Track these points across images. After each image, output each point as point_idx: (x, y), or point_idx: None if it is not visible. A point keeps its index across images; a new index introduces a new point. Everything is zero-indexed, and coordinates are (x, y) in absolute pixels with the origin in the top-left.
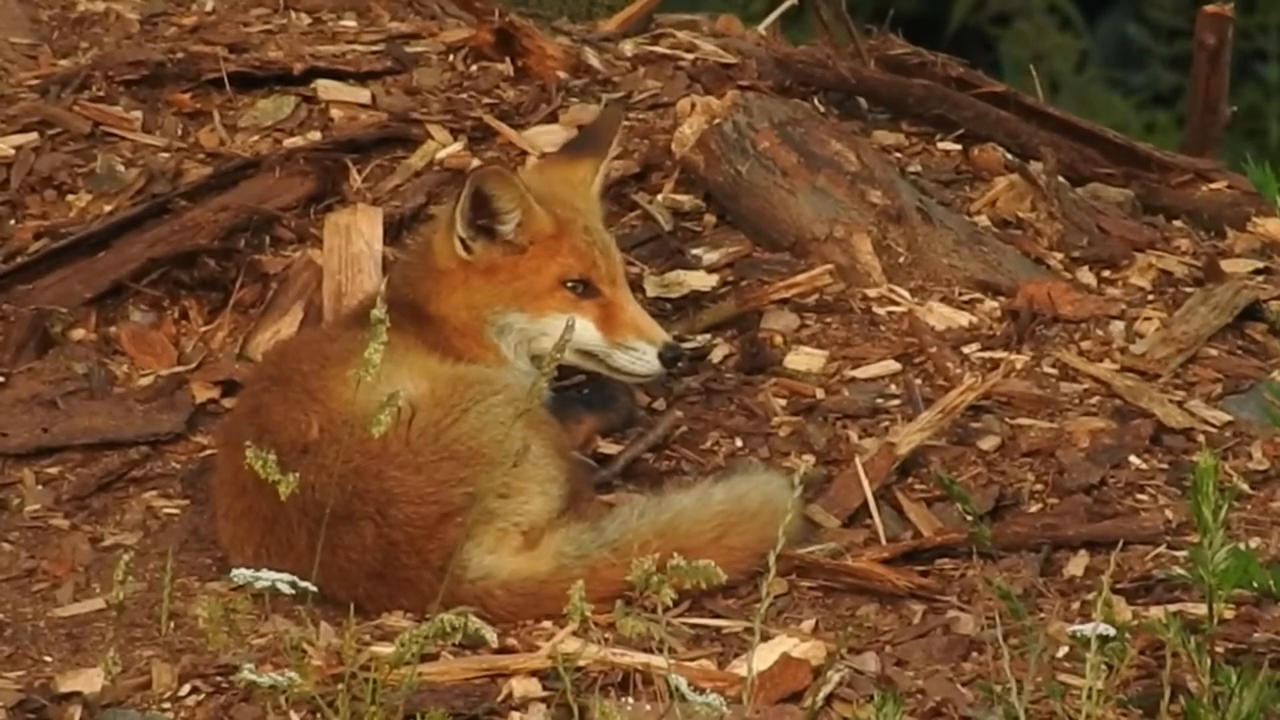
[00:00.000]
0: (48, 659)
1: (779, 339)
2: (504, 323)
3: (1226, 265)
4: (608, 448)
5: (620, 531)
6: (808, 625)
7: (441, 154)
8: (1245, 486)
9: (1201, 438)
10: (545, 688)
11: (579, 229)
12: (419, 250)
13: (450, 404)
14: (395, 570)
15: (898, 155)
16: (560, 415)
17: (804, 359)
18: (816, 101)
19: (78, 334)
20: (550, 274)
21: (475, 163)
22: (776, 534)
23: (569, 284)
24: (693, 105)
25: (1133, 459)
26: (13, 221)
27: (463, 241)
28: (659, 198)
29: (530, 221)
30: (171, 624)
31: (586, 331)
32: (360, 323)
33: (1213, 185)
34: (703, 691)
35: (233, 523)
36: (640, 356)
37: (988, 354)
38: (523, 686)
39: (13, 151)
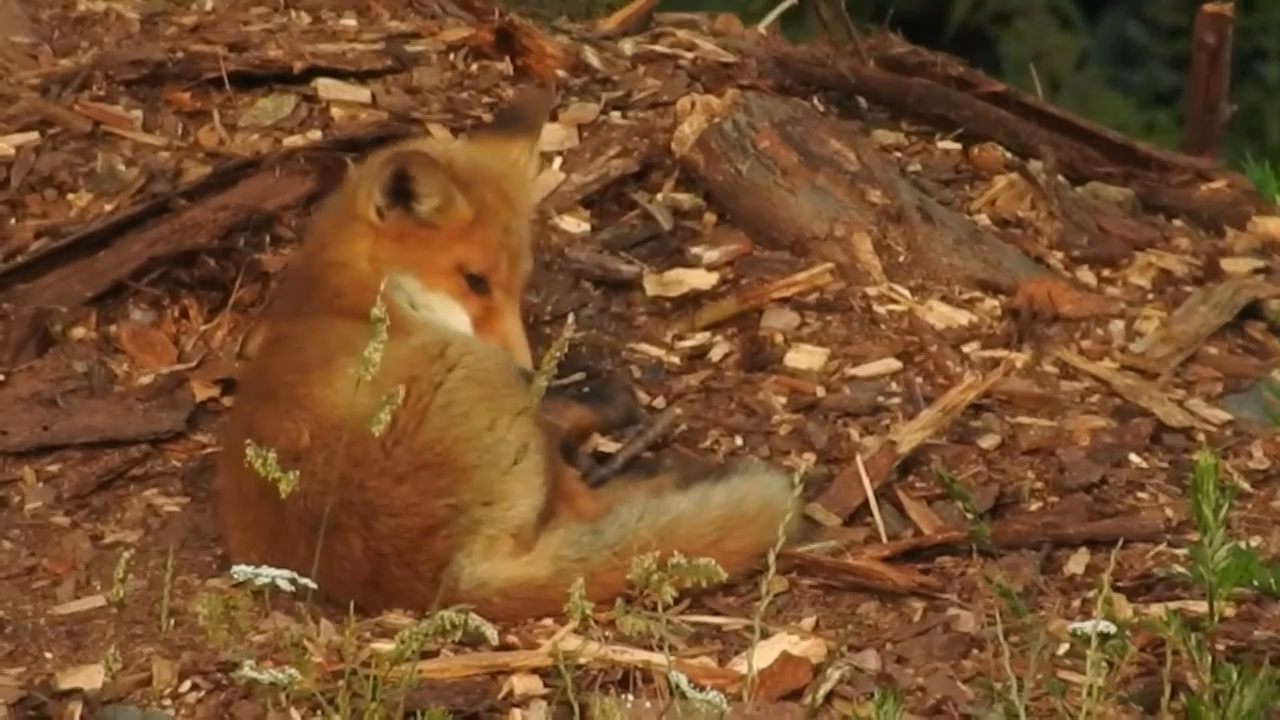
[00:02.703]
0: (48, 656)
1: (779, 337)
2: (397, 282)
3: (1226, 264)
4: (606, 445)
5: (620, 535)
6: (808, 623)
7: None
8: (1245, 485)
9: (1201, 436)
10: (546, 685)
11: (498, 225)
12: (342, 194)
13: (414, 404)
14: (387, 581)
15: (897, 154)
16: (548, 407)
17: (804, 357)
18: (816, 101)
19: (78, 333)
20: (452, 256)
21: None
22: (775, 537)
23: (466, 274)
24: (692, 104)
25: (1133, 457)
26: (13, 221)
27: (378, 210)
28: (659, 197)
29: (449, 207)
30: (172, 621)
31: (461, 323)
32: (306, 311)
33: (1212, 184)
34: (703, 689)
35: (240, 532)
36: None
37: (988, 353)
38: (523, 684)
39: (13, 151)
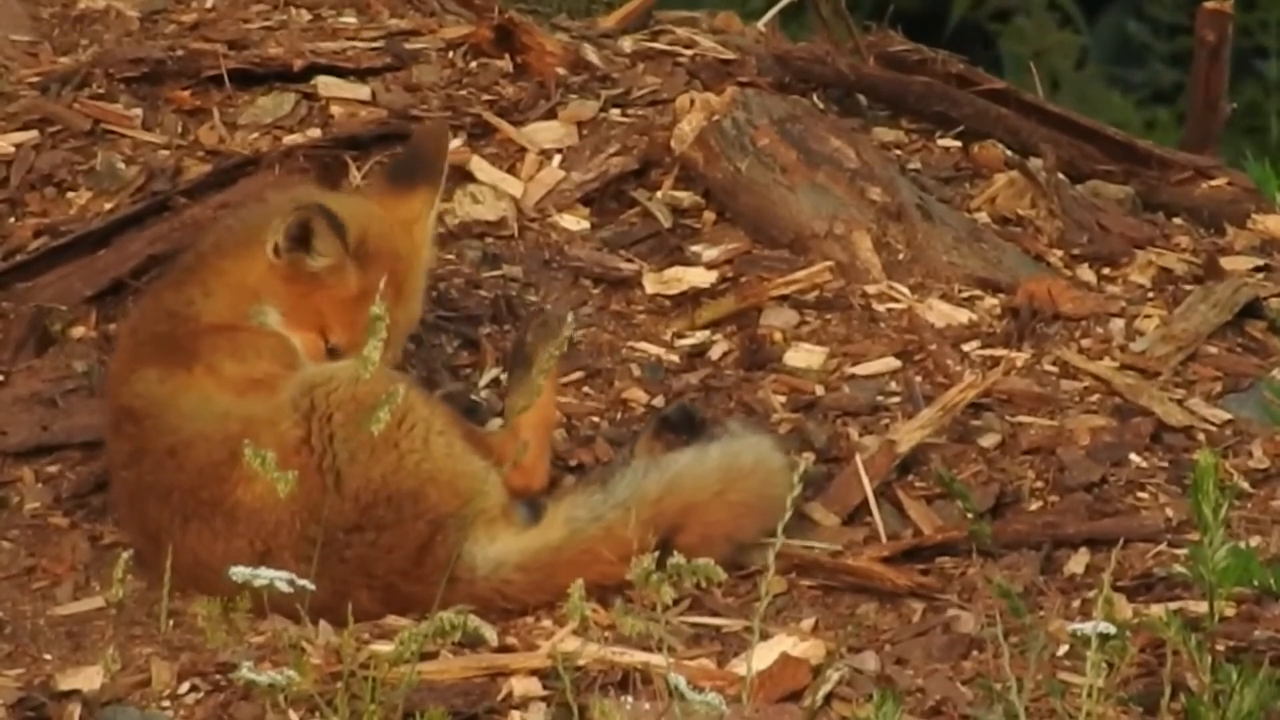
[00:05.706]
0: (47, 657)
1: (778, 335)
2: (263, 312)
3: (1226, 262)
4: (604, 451)
5: (630, 490)
6: (807, 624)
7: None
8: (1245, 485)
9: (1201, 436)
10: (545, 686)
11: (370, 313)
12: (253, 217)
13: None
14: (402, 599)
15: (897, 152)
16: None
17: (804, 356)
18: (816, 98)
19: (77, 332)
20: (322, 320)
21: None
22: (771, 492)
23: (328, 344)
24: (692, 102)
25: (1133, 457)
26: (12, 219)
27: (275, 247)
28: (658, 194)
29: (339, 272)
30: (170, 622)
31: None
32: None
33: (1213, 182)
34: (702, 690)
35: None
36: None
37: (988, 351)
38: (522, 685)
39: (13, 149)
